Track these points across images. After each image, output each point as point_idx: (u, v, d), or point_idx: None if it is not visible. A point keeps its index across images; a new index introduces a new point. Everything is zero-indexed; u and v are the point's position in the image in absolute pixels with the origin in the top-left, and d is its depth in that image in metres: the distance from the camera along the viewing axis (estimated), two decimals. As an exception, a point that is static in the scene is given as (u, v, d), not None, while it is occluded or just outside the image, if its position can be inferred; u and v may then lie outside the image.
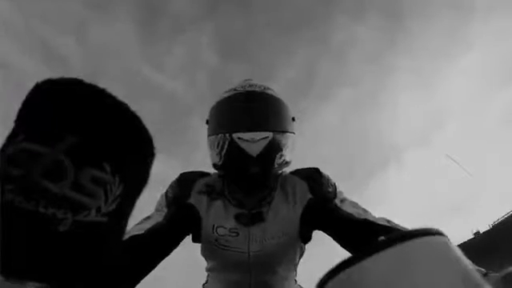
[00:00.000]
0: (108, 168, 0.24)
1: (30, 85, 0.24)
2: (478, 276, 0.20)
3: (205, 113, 0.81)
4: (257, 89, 0.73)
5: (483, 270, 0.44)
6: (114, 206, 0.24)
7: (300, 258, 0.89)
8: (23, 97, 0.24)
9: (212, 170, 0.82)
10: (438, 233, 0.21)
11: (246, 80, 0.77)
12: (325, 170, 0.83)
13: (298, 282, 0.93)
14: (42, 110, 0.23)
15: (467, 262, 0.21)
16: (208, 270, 0.90)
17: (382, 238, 0.22)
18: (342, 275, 0.21)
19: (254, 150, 0.67)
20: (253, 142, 0.67)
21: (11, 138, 0.23)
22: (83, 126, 0.23)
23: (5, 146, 0.23)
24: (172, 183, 0.81)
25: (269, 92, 0.74)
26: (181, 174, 0.82)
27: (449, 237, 0.22)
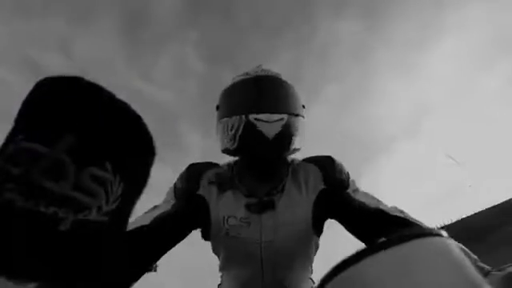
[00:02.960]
0: (109, 167, 0.23)
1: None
2: (479, 278, 0.20)
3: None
4: (270, 73, 0.74)
5: (488, 267, 0.43)
6: (114, 206, 0.24)
7: (314, 254, 0.86)
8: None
9: (221, 161, 0.81)
10: (439, 234, 0.21)
11: (258, 66, 0.77)
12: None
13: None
14: (42, 109, 0.23)
15: (469, 264, 0.21)
16: (221, 269, 0.87)
17: (383, 239, 0.22)
18: (341, 276, 0.21)
19: (271, 130, 0.67)
20: (269, 122, 0.67)
21: (11, 138, 0.23)
22: (84, 124, 0.23)
23: (5, 145, 0.22)
24: (181, 174, 0.79)
25: (282, 77, 0.74)
26: (190, 165, 0.81)
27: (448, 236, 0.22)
